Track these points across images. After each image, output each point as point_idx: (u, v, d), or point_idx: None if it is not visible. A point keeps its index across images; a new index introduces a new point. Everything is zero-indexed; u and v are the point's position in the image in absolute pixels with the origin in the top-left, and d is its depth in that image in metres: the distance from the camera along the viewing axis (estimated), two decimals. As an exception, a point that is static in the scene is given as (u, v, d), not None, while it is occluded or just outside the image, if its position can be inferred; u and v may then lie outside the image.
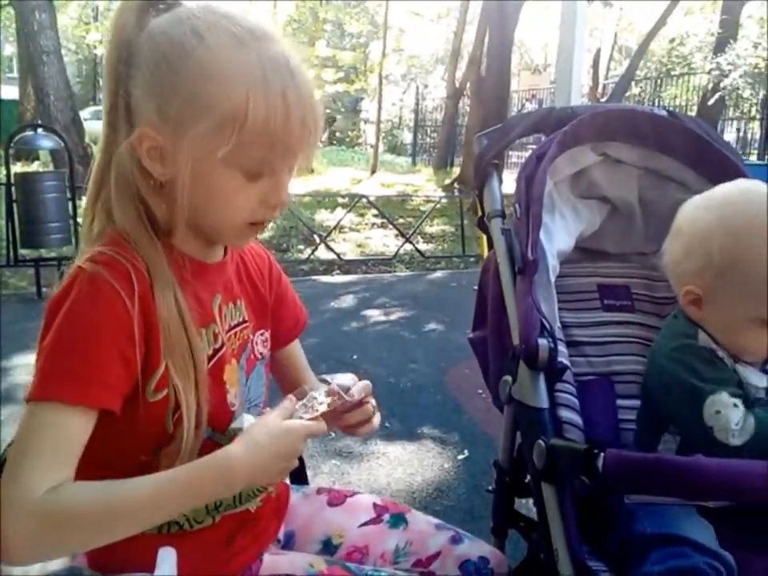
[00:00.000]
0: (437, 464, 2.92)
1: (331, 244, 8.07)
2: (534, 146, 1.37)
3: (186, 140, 0.84)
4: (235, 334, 0.99)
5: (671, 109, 1.86)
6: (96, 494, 0.80)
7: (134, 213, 0.89)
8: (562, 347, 1.24)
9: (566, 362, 1.21)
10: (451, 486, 2.72)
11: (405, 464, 2.92)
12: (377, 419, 1.02)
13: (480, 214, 1.46)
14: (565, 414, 1.17)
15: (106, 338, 0.81)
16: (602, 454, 0.90)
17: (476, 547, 1.13)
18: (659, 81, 17.76)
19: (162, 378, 0.85)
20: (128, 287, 0.83)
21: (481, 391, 3.54)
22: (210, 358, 0.92)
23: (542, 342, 1.11)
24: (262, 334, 1.06)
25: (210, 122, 0.83)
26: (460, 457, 2.98)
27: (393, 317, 5.45)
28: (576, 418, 1.18)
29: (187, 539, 0.93)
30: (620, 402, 1.28)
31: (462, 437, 3.18)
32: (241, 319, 1.01)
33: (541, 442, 1.04)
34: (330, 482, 2.69)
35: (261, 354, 1.06)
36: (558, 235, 1.37)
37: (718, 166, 1.38)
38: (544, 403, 1.12)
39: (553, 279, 1.31)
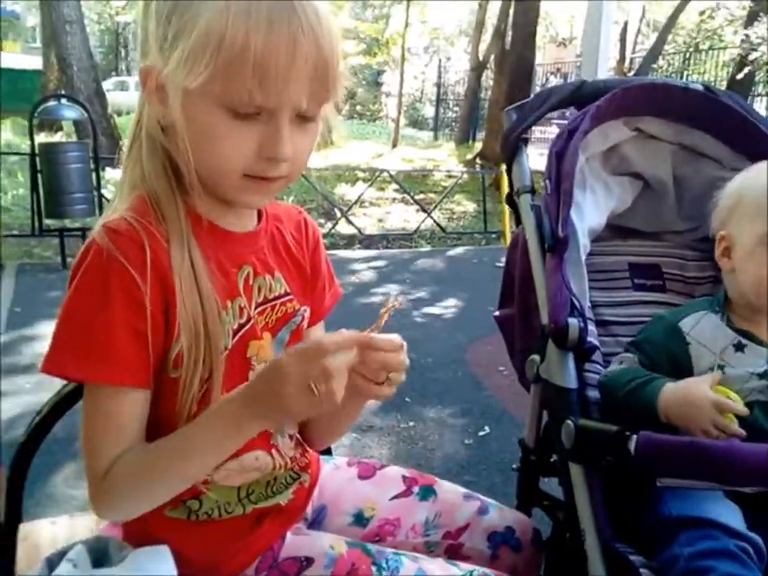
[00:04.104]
0: (457, 440, 2.93)
1: (352, 218, 8.05)
2: (558, 121, 1.34)
3: (169, 68, 0.77)
4: (273, 306, 0.94)
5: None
6: (142, 456, 0.82)
7: (159, 169, 0.85)
8: (591, 327, 1.22)
9: (595, 341, 1.19)
10: (471, 462, 2.73)
11: (425, 439, 2.92)
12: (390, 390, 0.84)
13: (508, 189, 1.43)
14: (593, 394, 1.15)
15: (112, 312, 0.79)
16: (634, 436, 0.89)
17: (502, 516, 1.14)
18: (687, 55, 17.36)
19: (179, 353, 0.83)
20: (140, 257, 0.79)
21: (502, 368, 3.53)
22: (234, 333, 0.89)
23: (572, 321, 1.10)
24: (305, 311, 1.00)
25: (186, 44, 0.75)
26: (480, 433, 2.98)
27: (413, 292, 5.45)
28: (604, 398, 1.16)
29: (216, 526, 0.93)
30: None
31: (483, 413, 3.18)
32: (282, 291, 0.96)
33: (569, 422, 1.03)
34: (351, 456, 2.71)
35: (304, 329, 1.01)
36: (589, 212, 1.34)
37: (755, 142, 1.34)
38: (573, 383, 1.10)
39: (583, 257, 1.29)
